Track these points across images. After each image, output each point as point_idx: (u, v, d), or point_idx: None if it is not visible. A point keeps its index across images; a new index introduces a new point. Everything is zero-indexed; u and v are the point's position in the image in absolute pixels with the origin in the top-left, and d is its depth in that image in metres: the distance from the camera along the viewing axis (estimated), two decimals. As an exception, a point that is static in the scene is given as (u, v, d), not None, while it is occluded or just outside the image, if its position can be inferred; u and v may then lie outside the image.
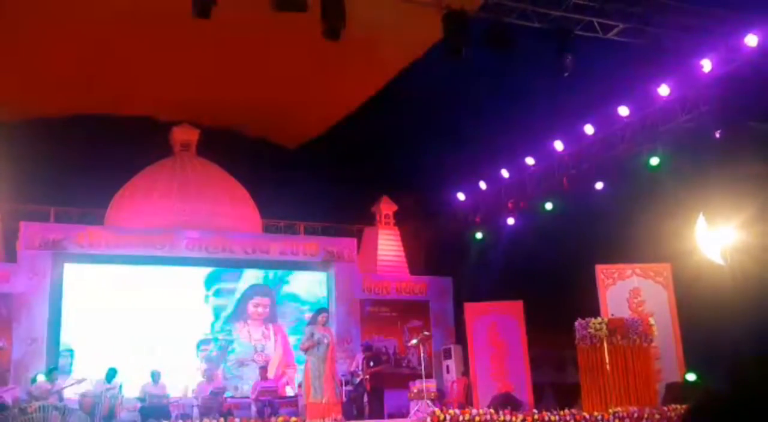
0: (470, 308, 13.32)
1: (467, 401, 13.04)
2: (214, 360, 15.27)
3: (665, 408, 9.55)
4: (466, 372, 14.03)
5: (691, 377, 11.30)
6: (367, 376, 12.93)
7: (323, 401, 9.53)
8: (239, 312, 15.89)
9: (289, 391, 14.43)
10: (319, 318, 9.98)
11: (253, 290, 16.13)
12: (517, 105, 13.23)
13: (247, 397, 13.78)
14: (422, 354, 12.16)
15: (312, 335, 9.78)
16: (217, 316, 15.72)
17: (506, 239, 15.74)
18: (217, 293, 15.85)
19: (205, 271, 15.80)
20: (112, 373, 12.39)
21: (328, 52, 11.75)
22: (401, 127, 15.67)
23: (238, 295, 15.98)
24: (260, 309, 16.02)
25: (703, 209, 11.17)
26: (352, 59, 13.79)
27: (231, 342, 15.61)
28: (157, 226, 15.28)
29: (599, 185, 13.78)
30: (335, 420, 9.53)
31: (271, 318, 16.10)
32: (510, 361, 12.90)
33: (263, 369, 14.18)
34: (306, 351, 9.78)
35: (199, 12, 8.90)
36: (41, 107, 15.68)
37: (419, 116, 15.40)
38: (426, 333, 13.73)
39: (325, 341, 9.77)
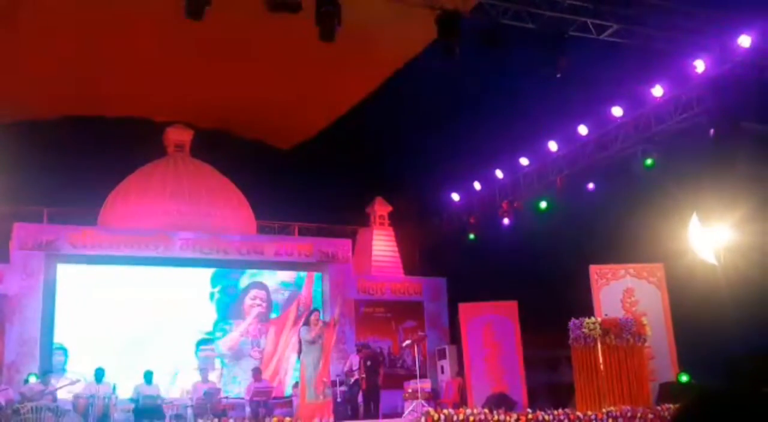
0: (465, 308, 13.32)
1: (461, 401, 13.03)
2: (211, 360, 15.24)
3: (659, 408, 9.58)
4: (460, 372, 14.01)
5: (684, 378, 11.32)
6: (364, 375, 12.93)
7: (317, 401, 9.55)
8: (237, 307, 15.93)
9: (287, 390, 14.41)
10: (312, 318, 10.01)
11: (250, 286, 16.20)
12: (511, 105, 13.23)
13: (242, 398, 13.75)
14: (417, 355, 12.16)
15: (309, 333, 9.82)
16: (220, 315, 15.75)
17: (500, 240, 15.73)
18: (222, 292, 15.89)
19: (208, 271, 15.82)
20: (100, 373, 12.31)
21: (322, 52, 11.74)
22: (395, 128, 15.67)
23: (239, 292, 16.10)
24: (257, 301, 16.06)
25: (696, 209, 11.21)
26: (346, 60, 13.79)
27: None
28: (151, 227, 15.24)
29: (593, 186, 13.82)
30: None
31: (267, 314, 16.10)
32: (504, 361, 12.91)
33: (257, 371, 14.15)
34: (312, 342, 9.82)
35: (191, 12, 8.87)
36: (34, 108, 15.63)
37: (413, 117, 15.40)
38: (421, 333, 13.74)
39: (319, 341, 9.80)
